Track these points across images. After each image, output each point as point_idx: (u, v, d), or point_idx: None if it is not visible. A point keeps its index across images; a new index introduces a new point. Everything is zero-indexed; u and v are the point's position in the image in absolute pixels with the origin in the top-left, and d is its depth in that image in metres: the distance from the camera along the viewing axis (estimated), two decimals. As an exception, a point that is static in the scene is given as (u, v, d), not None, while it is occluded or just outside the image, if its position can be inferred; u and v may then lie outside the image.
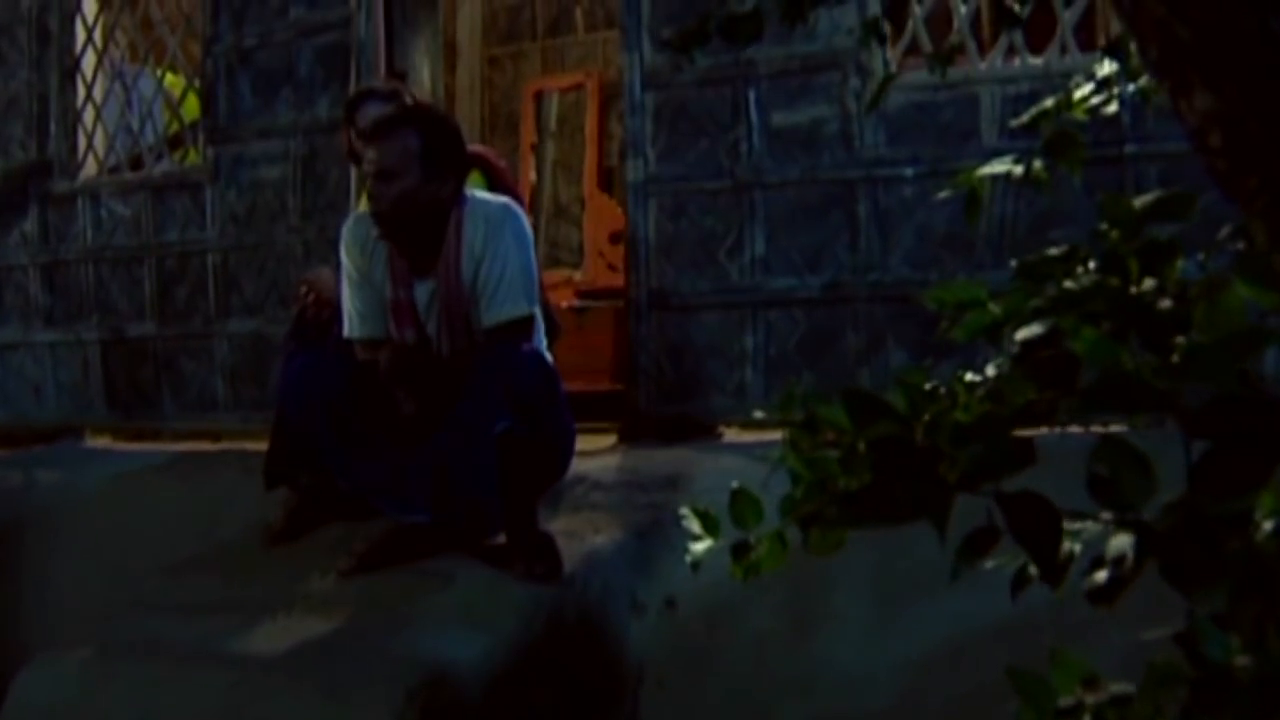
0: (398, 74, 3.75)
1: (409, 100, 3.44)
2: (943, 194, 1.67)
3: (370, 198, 3.03)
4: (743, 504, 1.14)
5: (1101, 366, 0.98)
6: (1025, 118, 1.55)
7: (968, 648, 2.85)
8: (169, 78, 5.17)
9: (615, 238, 6.28)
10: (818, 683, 2.92)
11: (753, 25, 1.58)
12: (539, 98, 6.89)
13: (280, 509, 3.39)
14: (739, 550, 1.15)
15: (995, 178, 1.42)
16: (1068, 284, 1.08)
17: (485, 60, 7.11)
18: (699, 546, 1.20)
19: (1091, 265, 1.10)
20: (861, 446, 1.04)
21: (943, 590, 2.89)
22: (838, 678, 2.91)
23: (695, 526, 1.21)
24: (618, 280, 5.94)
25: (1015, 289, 1.10)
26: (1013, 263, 1.13)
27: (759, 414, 1.46)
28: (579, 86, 6.79)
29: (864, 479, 1.03)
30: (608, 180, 6.62)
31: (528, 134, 6.81)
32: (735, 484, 1.14)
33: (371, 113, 3.34)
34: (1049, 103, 1.53)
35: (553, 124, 6.98)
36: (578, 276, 6.27)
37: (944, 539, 0.97)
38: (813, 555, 1.06)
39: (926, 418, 1.06)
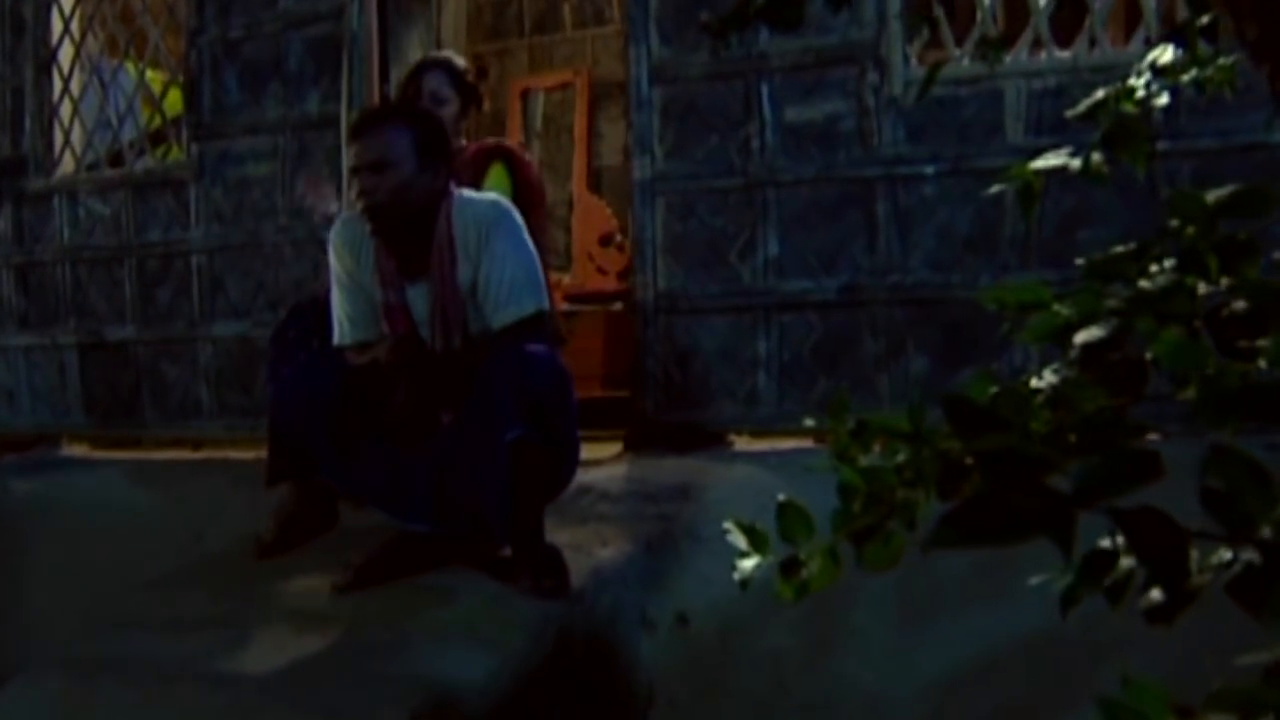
0: (477, 71, 3.77)
1: (463, 74, 3.60)
2: (995, 188, 1.58)
3: (360, 193, 2.91)
4: (792, 518, 1.08)
5: (1175, 370, 0.94)
6: (1081, 108, 1.47)
7: (994, 665, 2.80)
8: (150, 73, 5.01)
9: (605, 240, 6.20)
10: (838, 703, 2.85)
11: (795, 9, 1.48)
12: (525, 96, 6.80)
13: (271, 519, 3.25)
14: (788, 567, 1.08)
15: (1015, 175, 1.37)
16: (1143, 283, 1.04)
17: (470, 58, 6.99)
18: (748, 563, 1.12)
19: (1166, 264, 1.06)
20: (926, 457, 0.99)
21: (967, 606, 2.83)
22: (859, 698, 2.84)
23: (741, 542, 1.13)
24: (608, 284, 5.87)
25: (1084, 289, 1.05)
26: (1079, 261, 1.08)
27: (809, 420, 1.39)
28: (567, 85, 6.69)
29: (929, 492, 0.99)
30: (596, 181, 6.54)
31: (514, 133, 6.70)
32: (782, 496, 1.09)
33: (431, 83, 3.51)
34: (1100, 93, 1.46)
35: (539, 123, 6.89)
36: (566, 280, 6.16)
37: (1068, 557, 0.91)
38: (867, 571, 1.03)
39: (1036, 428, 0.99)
